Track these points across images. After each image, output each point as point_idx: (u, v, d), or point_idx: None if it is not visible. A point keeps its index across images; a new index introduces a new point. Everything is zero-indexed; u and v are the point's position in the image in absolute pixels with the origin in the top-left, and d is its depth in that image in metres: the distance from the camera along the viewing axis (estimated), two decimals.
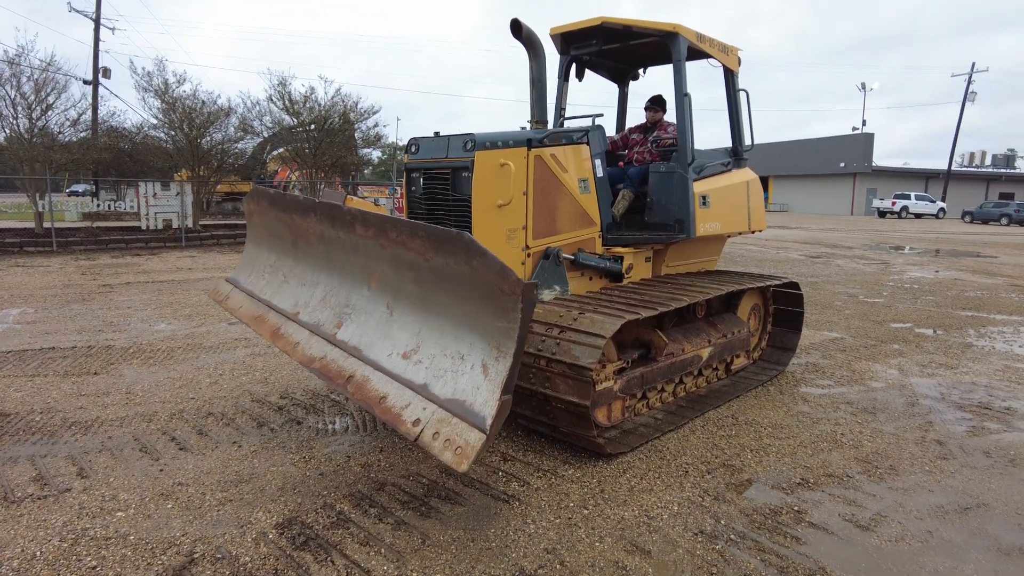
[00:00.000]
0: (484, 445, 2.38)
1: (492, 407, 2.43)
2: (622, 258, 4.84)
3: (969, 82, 47.17)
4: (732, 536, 3.00)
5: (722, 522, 3.12)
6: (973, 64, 47.36)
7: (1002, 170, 54.71)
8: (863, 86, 56.22)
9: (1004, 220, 38.91)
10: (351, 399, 2.86)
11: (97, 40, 26.44)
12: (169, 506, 3.17)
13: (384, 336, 3.01)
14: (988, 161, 56.04)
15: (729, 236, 5.89)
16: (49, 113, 16.69)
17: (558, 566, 2.73)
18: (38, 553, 2.74)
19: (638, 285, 4.86)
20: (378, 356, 2.96)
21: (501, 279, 2.40)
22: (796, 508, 3.28)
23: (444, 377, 2.66)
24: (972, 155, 56.37)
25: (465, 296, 2.63)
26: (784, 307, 5.92)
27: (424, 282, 2.83)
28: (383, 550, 2.81)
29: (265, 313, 3.80)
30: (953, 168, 49.09)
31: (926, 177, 52.28)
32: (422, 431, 2.52)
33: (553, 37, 5.57)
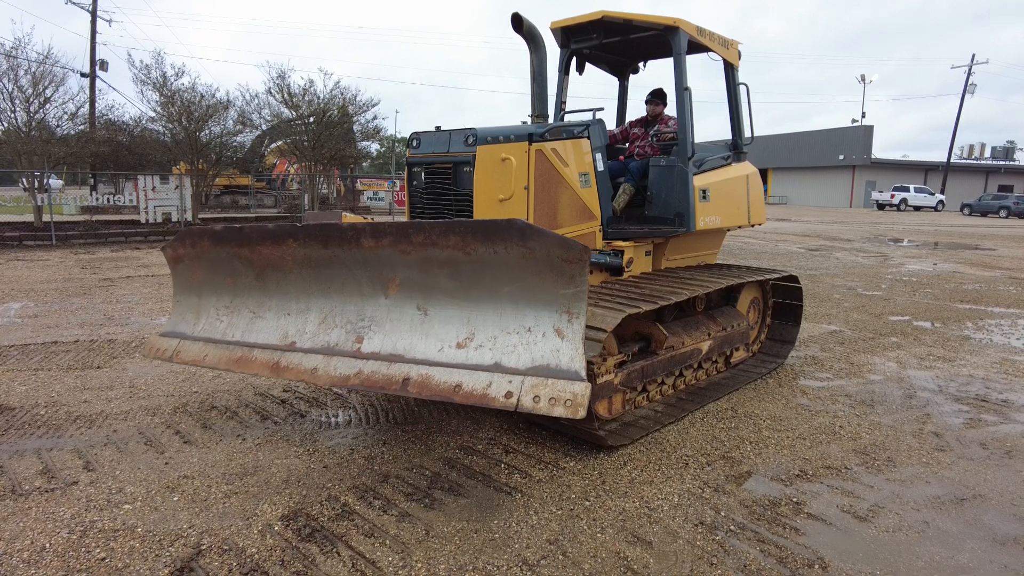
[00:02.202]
0: (591, 392, 2.59)
1: (581, 361, 2.66)
2: (622, 252, 4.86)
3: (968, 74, 47.11)
4: (732, 527, 3.04)
5: (722, 513, 3.16)
6: (973, 56, 47.32)
7: (1001, 162, 54.69)
8: (862, 78, 56.18)
9: (1003, 212, 38.94)
10: (418, 398, 2.90)
11: (94, 32, 26.33)
12: (175, 499, 3.20)
13: (425, 335, 3.05)
14: (987, 153, 56.02)
15: (729, 230, 5.92)
16: (47, 106, 16.67)
17: (560, 557, 2.77)
18: (47, 545, 2.77)
19: (638, 279, 4.89)
20: (426, 354, 2.99)
21: (565, 250, 2.61)
22: (795, 499, 3.32)
23: (515, 351, 2.80)
24: (971, 147, 56.32)
25: (518, 275, 2.77)
26: (783, 300, 5.95)
27: (463, 275, 2.91)
28: (388, 541, 2.85)
29: (247, 353, 3.53)
30: (952, 160, 49.08)
31: (925, 169, 52.28)
32: (519, 400, 2.66)
33: (553, 31, 5.57)
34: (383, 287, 3.21)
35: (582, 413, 2.55)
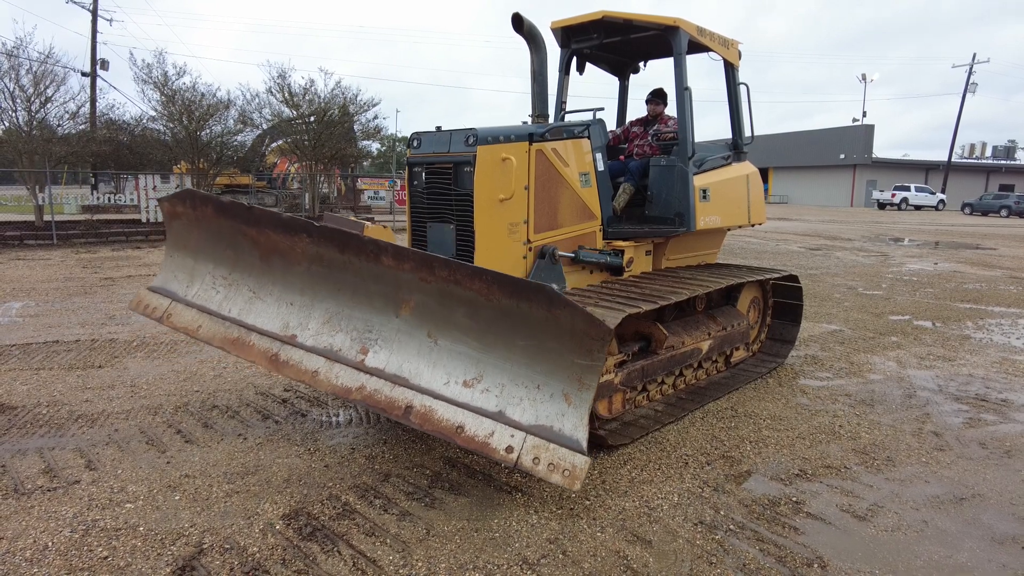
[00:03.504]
0: (589, 466, 2.63)
1: (584, 432, 2.69)
2: (622, 252, 4.87)
3: (969, 73, 47.07)
4: (731, 526, 3.05)
5: (721, 512, 3.17)
6: (974, 55, 47.26)
7: (1002, 161, 54.64)
8: (863, 77, 56.13)
9: (1004, 212, 38.90)
10: (418, 429, 2.91)
11: (95, 32, 26.33)
12: (177, 498, 3.21)
13: (433, 364, 3.05)
14: (988, 152, 55.96)
15: (729, 229, 5.93)
16: (48, 106, 16.68)
17: (560, 556, 2.78)
18: (50, 544, 2.79)
19: (638, 279, 4.90)
20: (431, 384, 2.99)
21: (590, 327, 2.63)
22: (794, 499, 3.33)
23: (521, 405, 2.82)
24: (972, 146, 56.27)
25: (536, 334, 2.78)
26: (783, 300, 5.96)
27: (481, 318, 2.91)
28: (388, 540, 2.86)
29: (244, 335, 3.46)
30: (953, 160, 49.02)
31: (926, 169, 52.23)
32: (519, 458, 2.70)
33: (554, 31, 5.58)
34: (396, 306, 3.18)
35: (578, 486, 2.61)
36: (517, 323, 2.82)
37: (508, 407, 2.83)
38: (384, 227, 4.27)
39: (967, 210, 41.11)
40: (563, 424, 2.73)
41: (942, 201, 44.13)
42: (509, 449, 2.71)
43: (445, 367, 3.02)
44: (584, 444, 2.68)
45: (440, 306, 3.04)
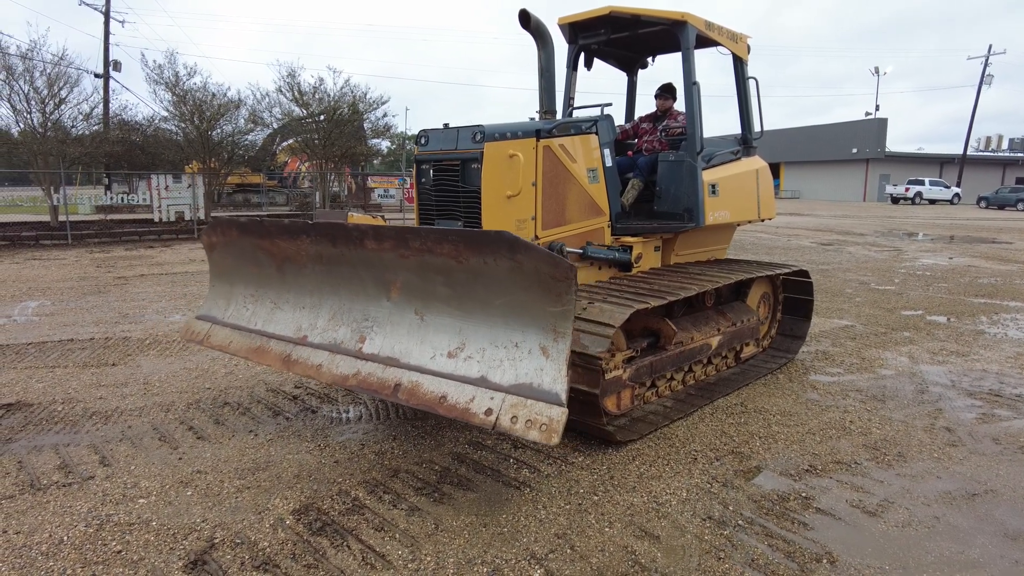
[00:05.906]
0: (567, 418, 2.54)
1: (563, 384, 2.62)
2: (631, 247, 4.86)
3: (985, 65, 46.40)
4: (740, 522, 3.04)
5: (730, 508, 3.16)
6: (989, 47, 46.58)
7: (1019, 154, 53.83)
8: (876, 70, 55.53)
9: (1021, 206, 38.32)
10: (406, 405, 2.92)
11: (107, 33, 26.59)
12: (189, 493, 3.25)
13: (421, 341, 3.09)
14: (1005, 145, 55.17)
15: (739, 224, 5.90)
16: (62, 107, 16.87)
17: (568, 550, 2.79)
18: (65, 538, 2.83)
19: (647, 274, 4.89)
20: (420, 361, 3.02)
21: (552, 267, 2.57)
22: (804, 494, 3.32)
23: (501, 366, 2.81)
24: (988, 139, 55.52)
25: (508, 288, 2.77)
26: (794, 295, 5.92)
27: (457, 283, 2.93)
28: (397, 535, 2.88)
29: (265, 343, 3.70)
30: (969, 153, 48.36)
31: (940, 162, 51.58)
32: (497, 419, 2.65)
33: (561, 26, 5.56)
34: (386, 289, 3.25)
35: (555, 440, 2.52)
36: (489, 281, 2.81)
37: (490, 371, 2.81)
38: (373, 216, 4.38)
39: (983, 204, 40.56)
40: (542, 379, 2.68)
41: (957, 195, 43.57)
42: (488, 412, 2.68)
43: (431, 342, 3.06)
44: (563, 396, 2.59)
45: (421, 280, 3.07)
